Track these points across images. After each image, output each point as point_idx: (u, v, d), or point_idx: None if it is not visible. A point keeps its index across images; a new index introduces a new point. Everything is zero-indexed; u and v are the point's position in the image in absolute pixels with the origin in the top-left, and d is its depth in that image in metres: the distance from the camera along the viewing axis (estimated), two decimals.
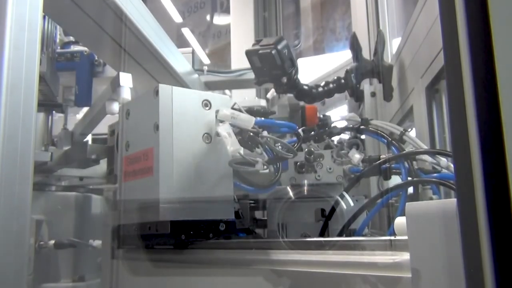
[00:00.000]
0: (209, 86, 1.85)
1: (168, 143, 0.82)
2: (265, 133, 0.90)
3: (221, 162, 0.86)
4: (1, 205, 0.68)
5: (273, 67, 1.16)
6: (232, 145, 0.82)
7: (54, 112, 1.58)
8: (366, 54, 1.53)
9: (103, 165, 1.25)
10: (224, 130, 0.84)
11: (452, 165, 0.85)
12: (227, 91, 2.15)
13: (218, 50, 4.64)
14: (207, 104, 0.88)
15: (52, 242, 1.36)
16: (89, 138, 1.67)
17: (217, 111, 0.87)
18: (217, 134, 0.86)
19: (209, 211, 0.84)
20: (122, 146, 0.95)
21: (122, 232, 0.93)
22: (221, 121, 0.86)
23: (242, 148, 0.83)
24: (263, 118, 0.97)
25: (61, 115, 1.63)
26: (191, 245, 0.83)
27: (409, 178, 0.88)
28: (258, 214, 1.13)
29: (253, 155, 0.90)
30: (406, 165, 0.89)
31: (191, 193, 0.83)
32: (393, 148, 0.96)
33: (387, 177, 0.89)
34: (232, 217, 0.85)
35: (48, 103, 1.50)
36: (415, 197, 0.87)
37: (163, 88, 0.85)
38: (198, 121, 0.86)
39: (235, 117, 0.86)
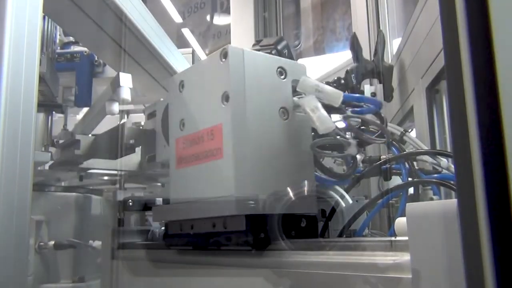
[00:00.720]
0: None
1: (241, 118, 0.68)
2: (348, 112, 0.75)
3: (301, 143, 0.72)
4: (1, 205, 0.68)
5: None
6: (322, 122, 0.67)
7: (54, 112, 1.57)
8: (367, 54, 1.53)
9: (133, 157, 1.13)
10: (310, 103, 0.68)
11: (452, 166, 0.85)
12: None
13: None
14: (282, 72, 0.73)
15: (52, 242, 1.36)
16: None
17: (294, 81, 0.73)
18: (297, 109, 0.72)
19: (288, 204, 0.69)
20: (175, 126, 0.80)
21: (169, 231, 0.81)
22: (299, 94, 0.72)
23: (335, 125, 0.68)
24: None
25: (61, 115, 1.63)
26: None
27: (410, 179, 0.88)
28: None
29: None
30: (407, 165, 0.89)
31: (268, 182, 0.68)
32: (394, 148, 0.96)
33: (388, 178, 0.88)
34: (315, 211, 0.71)
35: (48, 104, 1.50)
36: (415, 198, 0.86)
37: (233, 49, 0.70)
38: (274, 92, 0.72)
39: (320, 90, 0.70)
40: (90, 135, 1.62)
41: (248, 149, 0.67)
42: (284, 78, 0.73)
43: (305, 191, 0.71)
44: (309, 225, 0.70)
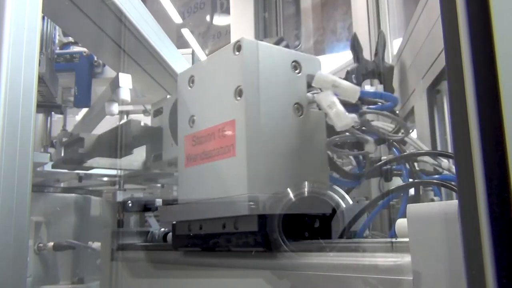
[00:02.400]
0: None
1: (255, 113, 0.64)
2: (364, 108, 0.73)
3: (315, 141, 0.70)
4: (0, 206, 0.68)
5: None
6: (340, 118, 0.64)
7: (53, 113, 1.57)
8: (367, 55, 1.53)
9: (137, 157, 1.09)
10: (327, 99, 0.66)
11: (453, 167, 0.85)
12: None
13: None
14: (296, 66, 0.70)
15: (51, 244, 1.36)
16: None
17: (308, 76, 0.70)
18: (311, 105, 0.69)
19: (302, 203, 0.65)
20: (184, 123, 0.77)
21: (176, 232, 0.78)
22: (313, 90, 0.68)
23: (353, 121, 0.66)
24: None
25: (60, 116, 1.63)
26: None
27: (411, 180, 0.88)
28: None
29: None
30: (407, 166, 0.89)
31: (281, 181, 0.66)
32: (394, 149, 0.96)
33: (388, 179, 0.88)
34: (329, 211, 0.68)
35: (47, 104, 1.50)
36: (416, 199, 0.86)
37: (247, 42, 0.66)
38: (288, 87, 0.69)
39: (336, 85, 0.67)
40: None
41: (261, 146, 0.64)
42: (298, 73, 0.70)
43: (320, 191, 0.68)
44: (323, 226, 0.68)
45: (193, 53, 1.84)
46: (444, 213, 0.46)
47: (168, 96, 0.90)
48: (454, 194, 0.82)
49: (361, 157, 0.79)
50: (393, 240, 0.55)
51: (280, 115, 0.67)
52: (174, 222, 0.80)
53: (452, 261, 0.44)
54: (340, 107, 0.65)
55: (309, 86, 0.72)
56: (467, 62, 0.40)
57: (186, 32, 4.58)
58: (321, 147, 0.69)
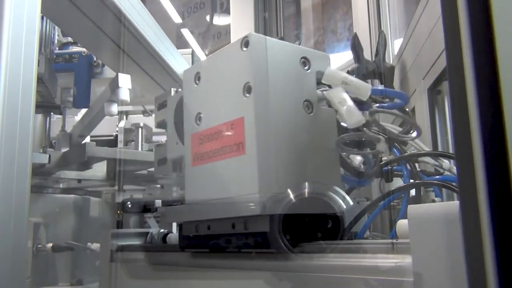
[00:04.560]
0: None
1: (264, 110, 0.63)
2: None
3: (326, 139, 0.68)
4: None
5: None
6: (352, 115, 0.63)
7: (52, 113, 1.57)
8: (368, 55, 1.53)
9: (102, 167, 1.22)
10: (338, 95, 0.64)
11: (454, 167, 0.85)
12: None
13: None
14: (305, 62, 0.69)
15: (50, 245, 1.36)
16: (87, 140, 1.67)
17: (318, 73, 0.69)
18: (321, 103, 0.67)
19: (313, 203, 0.64)
20: (191, 120, 0.75)
21: (183, 232, 0.76)
22: (321, 87, 0.67)
23: (364, 119, 0.64)
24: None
25: (60, 116, 1.63)
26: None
27: (411, 180, 0.87)
28: None
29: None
30: (408, 167, 0.88)
31: (292, 180, 0.64)
32: (395, 150, 0.95)
33: (389, 179, 0.88)
34: (342, 211, 0.67)
35: (46, 105, 1.50)
36: (417, 200, 0.86)
37: (255, 37, 0.65)
38: (298, 83, 0.67)
39: (347, 82, 0.66)
40: (89, 136, 1.62)
41: (272, 144, 0.62)
42: (308, 69, 0.69)
43: (332, 190, 0.66)
44: (335, 226, 0.67)
45: (192, 53, 1.84)
46: (445, 214, 0.46)
47: (172, 91, 0.88)
48: (455, 195, 0.81)
49: (371, 156, 0.78)
50: (394, 241, 0.55)
51: (290, 112, 0.66)
52: (179, 223, 0.79)
53: (453, 262, 0.44)
54: (351, 104, 0.64)
55: (318, 83, 0.71)
56: (468, 63, 0.40)
57: (186, 32, 4.59)
58: (332, 145, 0.68)
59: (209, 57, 0.77)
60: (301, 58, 0.69)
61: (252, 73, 0.63)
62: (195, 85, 0.75)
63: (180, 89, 0.87)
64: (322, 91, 0.70)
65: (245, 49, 0.65)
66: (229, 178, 0.67)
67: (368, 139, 0.70)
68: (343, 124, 0.70)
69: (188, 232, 0.76)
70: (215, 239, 0.71)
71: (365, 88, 0.66)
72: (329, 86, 0.70)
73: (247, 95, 0.64)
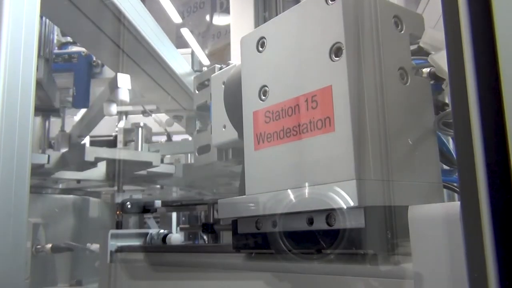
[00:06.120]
0: None
1: (358, 77, 0.52)
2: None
3: (422, 117, 0.57)
4: None
5: None
6: None
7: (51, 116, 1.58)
8: None
9: (101, 168, 1.23)
10: (442, 62, 0.53)
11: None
12: None
13: (218, 51, 4.63)
14: (397, 22, 0.58)
15: (49, 245, 1.36)
16: (87, 140, 1.67)
17: (411, 36, 0.59)
18: (414, 72, 0.57)
19: (408, 193, 0.53)
20: (252, 95, 0.64)
21: (239, 230, 0.65)
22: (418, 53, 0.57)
23: None
24: None
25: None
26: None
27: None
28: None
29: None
30: None
31: (388, 164, 0.53)
32: None
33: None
34: (440, 202, 0.57)
35: (45, 109, 1.50)
36: None
37: None
38: (392, 47, 0.56)
39: None
40: (88, 136, 1.62)
41: (367, 120, 0.51)
42: (401, 31, 0.58)
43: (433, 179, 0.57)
44: None
45: (192, 53, 1.83)
46: (446, 215, 0.45)
47: (217, 68, 0.78)
48: (456, 195, 0.81)
49: None
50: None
51: (385, 81, 0.55)
52: (234, 219, 0.67)
53: (454, 263, 0.44)
54: None
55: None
56: (469, 63, 0.40)
57: (185, 32, 4.58)
58: (430, 125, 0.57)
59: (277, 18, 0.65)
60: (394, 17, 0.58)
61: (344, 31, 0.52)
62: (258, 53, 0.64)
63: (224, 66, 0.77)
64: (412, 59, 0.60)
65: (332, 2, 0.55)
66: (310, 161, 0.55)
67: None
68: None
69: (245, 230, 0.64)
70: (281, 239, 0.59)
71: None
72: (419, 54, 0.59)
73: (336, 58, 0.53)
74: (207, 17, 5.15)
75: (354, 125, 0.51)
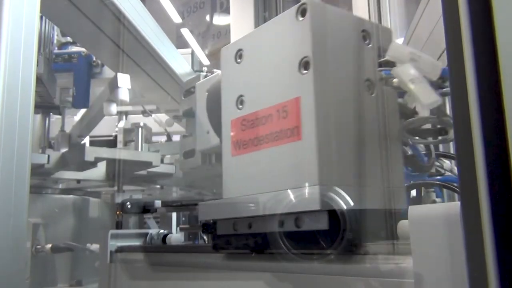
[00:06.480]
0: None
1: (324, 89, 0.54)
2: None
3: (389, 125, 0.60)
4: None
5: None
6: (426, 95, 0.54)
7: (51, 114, 1.57)
8: None
9: (101, 168, 1.23)
10: (408, 73, 0.55)
11: (455, 168, 0.85)
12: None
13: (218, 51, 4.63)
14: (366, 36, 0.60)
15: (49, 246, 1.35)
16: (87, 140, 1.67)
17: (380, 49, 0.61)
18: (381, 83, 0.59)
19: (374, 197, 0.56)
20: (230, 104, 0.67)
21: (218, 231, 0.69)
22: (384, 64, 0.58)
23: (440, 99, 0.55)
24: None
25: (59, 117, 1.63)
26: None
27: (412, 181, 0.87)
28: None
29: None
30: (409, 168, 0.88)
31: (353, 170, 0.56)
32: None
33: None
34: (405, 206, 0.58)
35: (45, 105, 1.50)
36: (418, 200, 0.86)
37: (314, 5, 0.56)
38: (359, 59, 0.59)
39: (415, 59, 0.57)
40: (88, 136, 1.62)
41: (332, 129, 0.54)
42: (368, 44, 0.60)
43: (396, 183, 0.59)
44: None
45: (192, 53, 1.83)
46: (446, 215, 0.45)
47: (202, 76, 0.82)
48: (456, 195, 0.81)
49: (432, 147, 0.69)
50: (395, 242, 0.55)
51: (351, 92, 0.57)
52: (214, 221, 0.71)
53: (454, 263, 0.44)
54: (426, 83, 0.55)
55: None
56: (469, 63, 0.40)
57: (185, 32, 4.58)
58: (395, 132, 0.60)
59: (254, 31, 0.68)
60: (362, 31, 0.60)
61: (311, 46, 0.55)
62: (236, 64, 0.67)
63: (209, 74, 0.79)
64: (380, 70, 0.62)
65: (301, 18, 0.57)
66: (279, 168, 0.58)
67: (438, 125, 0.61)
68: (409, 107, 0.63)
69: (223, 231, 0.68)
70: (255, 238, 0.63)
71: (435, 66, 0.57)
72: (389, 65, 0.61)
73: (304, 71, 0.56)
74: (207, 17, 5.15)
75: (320, 134, 0.54)
